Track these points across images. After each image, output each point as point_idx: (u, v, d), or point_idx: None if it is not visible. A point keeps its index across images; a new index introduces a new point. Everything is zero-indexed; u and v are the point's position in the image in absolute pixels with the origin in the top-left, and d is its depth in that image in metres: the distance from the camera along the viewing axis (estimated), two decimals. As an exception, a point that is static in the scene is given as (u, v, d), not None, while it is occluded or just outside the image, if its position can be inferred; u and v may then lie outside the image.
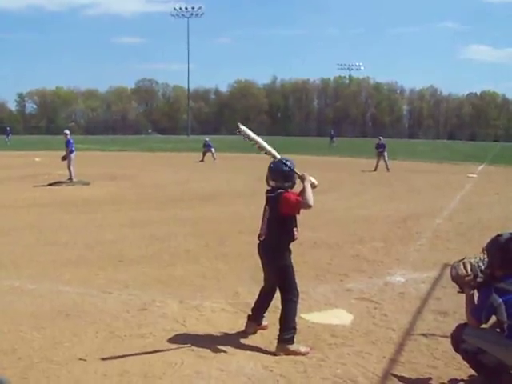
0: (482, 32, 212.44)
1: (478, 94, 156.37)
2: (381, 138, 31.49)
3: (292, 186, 5.43)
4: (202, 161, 35.42)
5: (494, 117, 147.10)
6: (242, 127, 5.46)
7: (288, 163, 5.41)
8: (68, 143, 21.65)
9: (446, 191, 19.97)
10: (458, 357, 4.90)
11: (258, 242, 5.62)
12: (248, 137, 5.50)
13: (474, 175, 26.87)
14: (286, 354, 5.19)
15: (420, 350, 5.41)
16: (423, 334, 5.82)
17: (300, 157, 39.79)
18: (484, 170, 32.25)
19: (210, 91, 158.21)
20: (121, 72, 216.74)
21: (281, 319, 5.36)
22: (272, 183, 5.49)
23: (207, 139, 38.20)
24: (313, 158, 39.23)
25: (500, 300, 4.34)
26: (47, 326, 5.89)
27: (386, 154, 30.17)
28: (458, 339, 4.59)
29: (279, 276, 5.44)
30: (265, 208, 5.58)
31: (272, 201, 5.44)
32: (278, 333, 5.31)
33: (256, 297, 5.84)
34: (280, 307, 5.45)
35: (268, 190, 5.54)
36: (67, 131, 22.38)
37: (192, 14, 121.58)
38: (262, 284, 5.76)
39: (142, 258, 9.02)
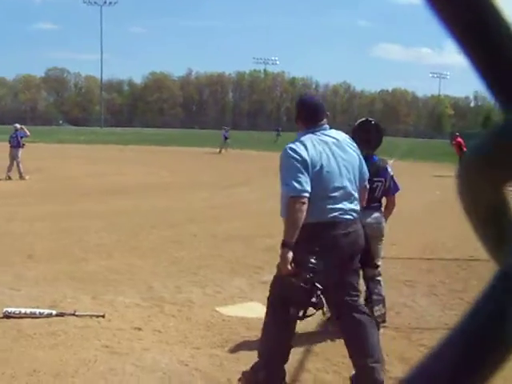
0: (391, 31, 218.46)
1: (390, 90, 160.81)
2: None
3: None
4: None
5: (405, 113, 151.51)
6: None
7: None
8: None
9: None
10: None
11: None
12: None
13: (391, 170, 27.48)
14: None
15: (333, 340, 5.50)
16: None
17: (215, 150, 39.97)
18: (394, 165, 33.10)
19: (123, 82, 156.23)
20: (29, 60, 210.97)
21: None
22: None
23: (226, 128, 38.97)
24: (231, 151, 39.30)
25: None
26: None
27: None
28: None
29: None
30: None
31: None
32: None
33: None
34: None
35: None
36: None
37: (105, 2, 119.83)
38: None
39: (52, 253, 8.79)
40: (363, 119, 6.06)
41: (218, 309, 6.20)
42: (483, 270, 8.28)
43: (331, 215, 4.17)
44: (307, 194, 4.06)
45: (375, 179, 5.65)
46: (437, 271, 8.37)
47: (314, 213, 4.08)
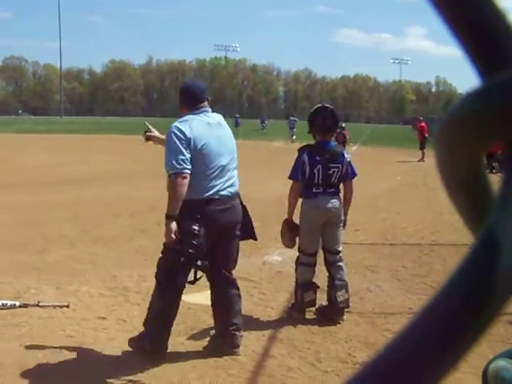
0: (351, 17, 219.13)
1: (351, 76, 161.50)
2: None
3: None
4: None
5: (366, 99, 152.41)
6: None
7: None
8: None
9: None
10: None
11: None
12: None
13: (348, 155, 27.67)
14: None
15: (298, 327, 5.55)
16: (301, 311, 5.96)
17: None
18: (357, 151, 33.31)
19: (83, 71, 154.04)
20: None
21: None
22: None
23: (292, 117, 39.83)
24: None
25: (308, 163, 5.65)
26: None
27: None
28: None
29: None
30: None
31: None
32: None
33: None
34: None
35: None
36: None
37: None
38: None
39: (13, 244, 8.66)
40: (319, 105, 6.12)
41: (182, 297, 6.20)
42: (445, 254, 8.43)
43: (211, 192, 4.57)
44: (188, 171, 4.42)
45: (331, 165, 5.73)
46: (399, 256, 8.48)
47: (195, 190, 4.48)
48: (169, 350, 4.85)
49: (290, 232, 5.89)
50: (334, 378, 4.52)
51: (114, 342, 5.08)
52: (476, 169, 0.37)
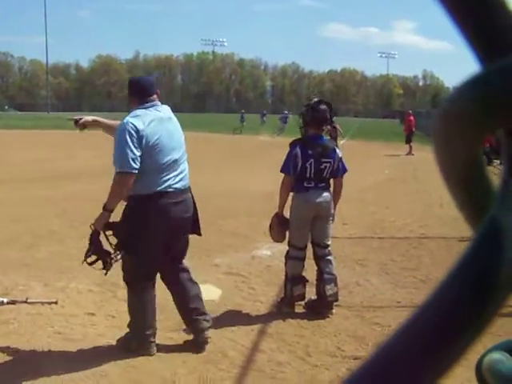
0: (338, 11, 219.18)
1: (339, 70, 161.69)
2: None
3: None
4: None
5: (354, 93, 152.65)
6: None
7: None
8: None
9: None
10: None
11: None
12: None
13: (340, 151, 27.73)
14: None
15: (287, 321, 5.55)
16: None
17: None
18: (345, 145, 33.37)
19: (70, 66, 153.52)
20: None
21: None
22: None
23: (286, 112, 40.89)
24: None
25: (300, 156, 5.63)
26: None
27: None
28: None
29: None
30: None
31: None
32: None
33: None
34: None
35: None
36: None
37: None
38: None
39: (2, 240, 8.60)
40: (317, 99, 6.05)
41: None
42: (434, 247, 8.46)
43: (164, 185, 4.61)
44: (135, 171, 4.47)
45: (323, 160, 5.72)
46: (388, 250, 8.50)
47: (148, 184, 4.57)
48: (159, 346, 4.85)
49: (279, 226, 5.89)
50: (323, 371, 4.53)
51: (103, 337, 5.07)
52: (475, 160, 0.37)
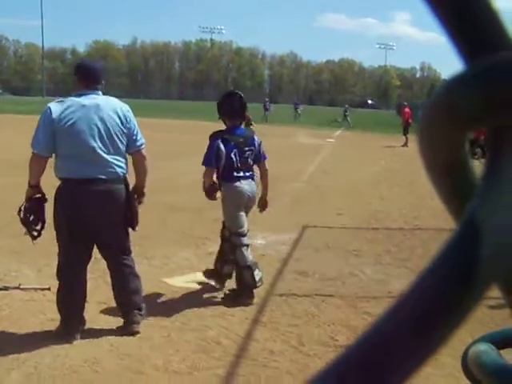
0: (337, 1, 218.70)
1: (337, 61, 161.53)
2: None
3: None
4: None
5: (351, 84, 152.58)
6: None
7: None
8: None
9: (305, 155, 20.48)
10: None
11: None
12: None
13: (332, 140, 27.79)
14: None
15: (281, 310, 5.55)
16: (284, 294, 5.97)
17: (162, 121, 39.55)
18: (342, 135, 33.45)
19: (66, 51, 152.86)
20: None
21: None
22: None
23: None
24: (174, 121, 38.94)
25: (223, 149, 5.63)
26: None
27: None
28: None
29: None
30: None
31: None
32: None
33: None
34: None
35: None
36: None
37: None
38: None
39: (-5, 225, 8.57)
40: (229, 91, 6.37)
41: (165, 280, 6.19)
42: (427, 238, 8.47)
43: (70, 172, 4.72)
44: (42, 153, 4.74)
45: (246, 148, 5.84)
46: (382, 240, 8.51)
47: (59, 168, 4.80)
48: (152, 334, 4.85)
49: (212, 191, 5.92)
50: (316, 361, 4.53)
51: (95, 324, 5.05)
52: (458, 154, 0.37)
